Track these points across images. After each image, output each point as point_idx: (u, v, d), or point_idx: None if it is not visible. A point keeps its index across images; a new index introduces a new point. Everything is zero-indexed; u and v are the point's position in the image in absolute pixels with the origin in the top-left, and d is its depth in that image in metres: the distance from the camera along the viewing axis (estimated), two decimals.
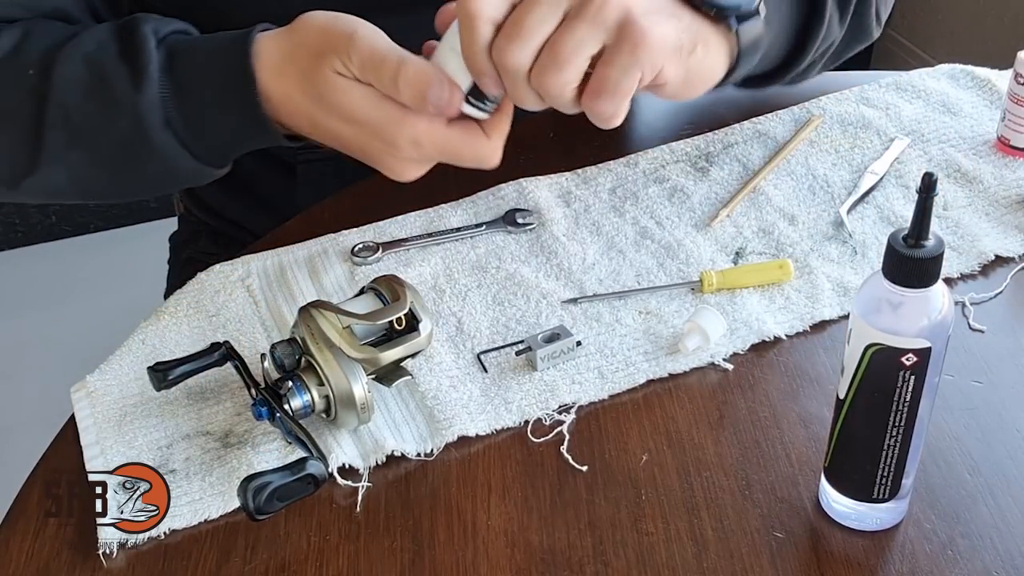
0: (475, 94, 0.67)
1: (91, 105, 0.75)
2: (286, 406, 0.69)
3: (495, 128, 0.69)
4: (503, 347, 0.79)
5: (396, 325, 0.73)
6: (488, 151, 0.69)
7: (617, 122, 0.66)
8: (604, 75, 0.64)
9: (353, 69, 0.67)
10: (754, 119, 1.00)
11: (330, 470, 0.69)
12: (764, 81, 0.88)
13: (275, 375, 0.72)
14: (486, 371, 0.77)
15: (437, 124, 0.67)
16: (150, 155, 0.76)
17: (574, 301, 0.82)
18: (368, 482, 0.70)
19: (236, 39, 0.73)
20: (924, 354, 0.57)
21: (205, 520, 0.69)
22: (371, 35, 0.68)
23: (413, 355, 0.74)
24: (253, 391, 0.72)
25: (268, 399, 0.70)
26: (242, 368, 0.74)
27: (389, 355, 0.72)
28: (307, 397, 0.70)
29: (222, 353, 0.74)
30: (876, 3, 0.90)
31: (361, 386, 0.69)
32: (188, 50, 0.75)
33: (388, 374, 0.73)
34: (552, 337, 0.77)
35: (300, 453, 0.68)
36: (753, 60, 0.75)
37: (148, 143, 0.75)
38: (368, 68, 0.67)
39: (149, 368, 0.73)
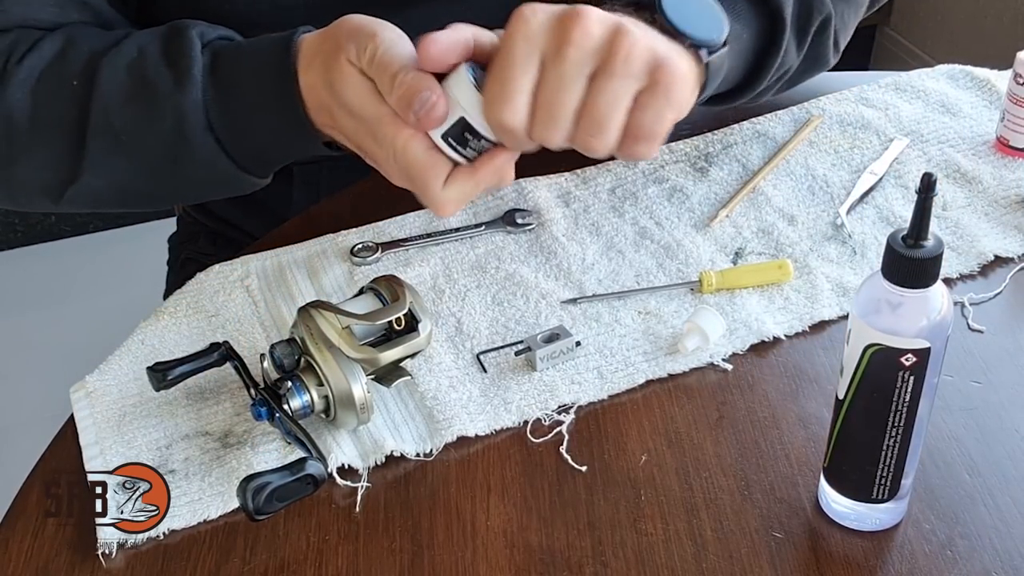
0: (460, 134, 0.65)
1: (133, 109, 0.75)
2: (285, 406, 0.69)
3: (456, 181, 0.66)
4: (502, 347, 0.79)
5: (395, 325, 0.73)
6: (435, 197, 0.66)
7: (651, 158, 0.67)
8: (641, 121, 0.63)
9: (364, 61, 0.67)
10: (753, 119, 1.00)
11: (329, 470, 0.69)
12: (716, 102, 0.87)
13: (274, 375, 0.72)
14: (485, 371, 0.77)
15: (415, 140, 0.65)
16: (191, 159, 0.76)
17: (573, 301, 0.82)
18: (367, 482, 0.70)
19: (279, 41, 0.73)
20: (923, 354, 0.57)
21: (204, 520, 0.69)
22: (393, 36, 0.67)
23: (412, 355, 0.74)
24: (252, 391, 0.72)
25: (267, 399, 0.70)
26: (241, 368, 0.74)
27: (388, 355, 0.72)
28: (306, 397, 0.70)
29: (221, 353, 0.74)
30: (835, 32, 0.89)
31: (360, 386, 0.69)
32: (232, 53, 0.75)
33: (387, 374, 0.73)
34: (551, 337, 0.77)
35: (299, 453, 0.68)
36: (713, 86, 0.75)
37: (189, 146, 0.75)
38: (376, 64, 0.66)
39: (148, 368, 0.73)
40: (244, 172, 0.78)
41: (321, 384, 0.70)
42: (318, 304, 0.72)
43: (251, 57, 0.74)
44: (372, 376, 0.72)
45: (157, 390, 0.74)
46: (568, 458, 0.71)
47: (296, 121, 0.73)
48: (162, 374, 0.73)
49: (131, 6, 0.87)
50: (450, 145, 0.65)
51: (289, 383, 0.70)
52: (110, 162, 0.77)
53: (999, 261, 0.84)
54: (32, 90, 0.76)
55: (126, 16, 0.87)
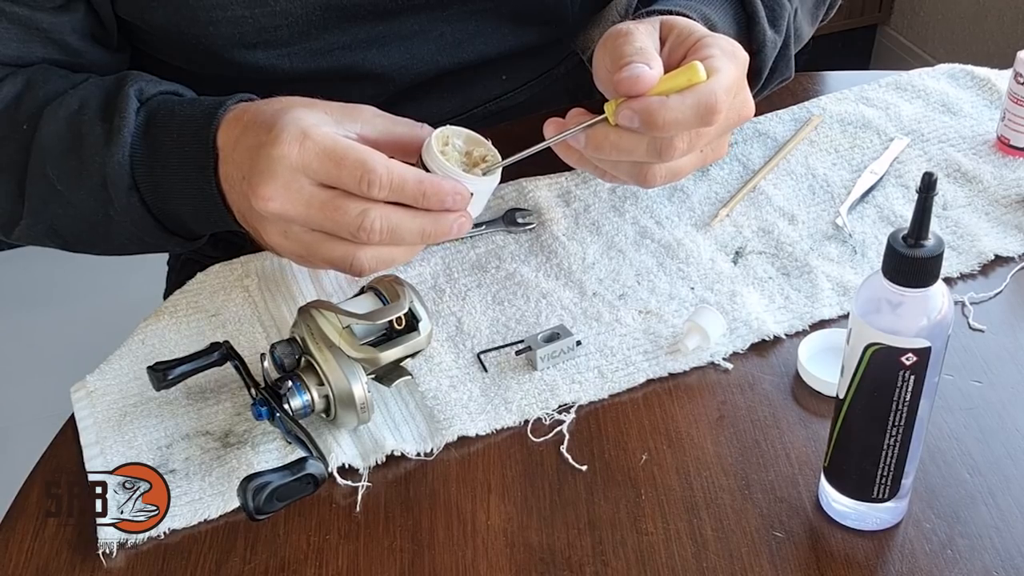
0: None
1: (66, 161, 0.76)
2: (286, 406, 0.69)
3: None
4: (503, 347, 0.79)
5: (396, 325, 0.73)
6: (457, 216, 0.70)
7: None
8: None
9: (373, 191, 0.66)
10: (754, 119, 0.99)
11: (330, 470, 0.69)
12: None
13: (275, 375, 0.72)
14: (486, 371, 0.77)
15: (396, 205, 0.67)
16: (117, 217, 0.76)
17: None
18: (368, 482, 0.70)
19: (205, 111, 0.73)
20: (924, 354, 0.57)
21: (205, 520, 0.69)
22: (362, 149, 0.67)
23: (413, 355, 0.74)
24: (253, 391, 0.72)
25: (268, 399, 0.70)
26: (242, 368, 0.74)
27: (389, 355, 0.72)
28: (307, 397, 0.70)
29: (222, 353, 0.74)
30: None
31: (361, 386, 0.69)
32: (166, 113, 0.75)
33: (388, 374, 0.73)
34: (552, 337, 0.77)
35: (300, 453, 0.68)
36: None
37: (114, 204, 0.75)
38: (393, 190, 0.66)
39: (149, 368, 0.73)
40: (171, 235, 0.78)
41: (321, 384, 0.70)
42: (318, 304, 0.72)
43: (178, 124, 0.74)
44: (372, 376, 0.72)
45: (158, 390, 0.74)
46: (569, 457, 0.71)
47: (212, 202, 0.73)
48: (162, 374, 0.73)
49: (110, 34, 0.86)
50: None
51: (289, 383, 0.70)
52: (47, 209, 0.79)
53: (999, 260, 0.84)
54: None
55: (105, 45, 0.86)
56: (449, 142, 0.70)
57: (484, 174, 0.70)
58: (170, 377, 0.73)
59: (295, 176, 0.66)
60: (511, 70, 1.00)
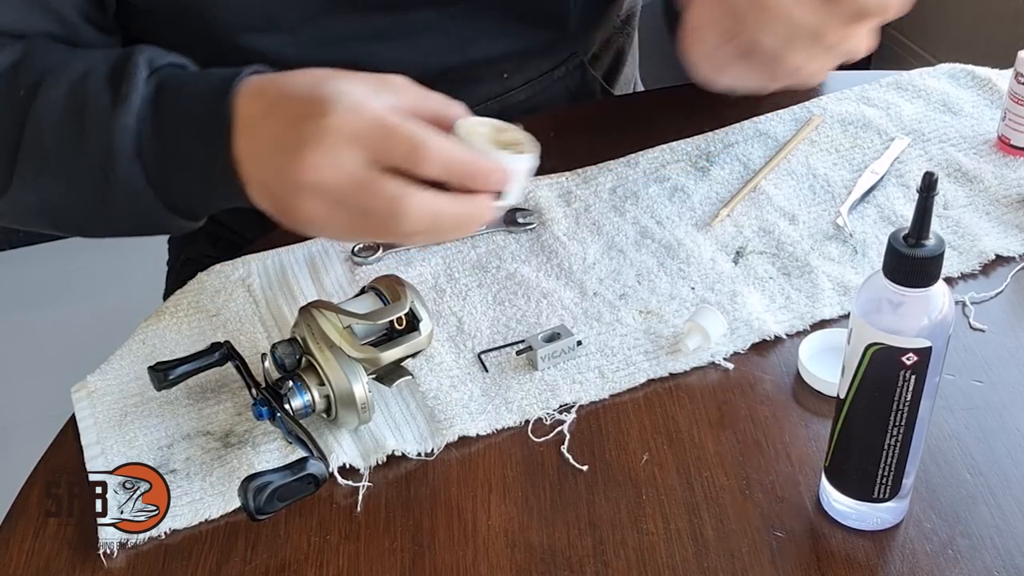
0: None
1: (66, 129, 0.73)
2: (287, 406, 0.69)
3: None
4: (504, 347, 0.79)
5: (396, 325, 0.73)
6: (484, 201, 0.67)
7: None
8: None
9: (424, 168, 0.64)
10: (755, 118, 1.00)
11: (330, 470, 0.69)
12: None
13: (275, 375, 0.72)
14: (487, 371, 0.77)
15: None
16: (116, 188, 0.72)
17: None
18: (368, 482, 0.70)
19: (219, 83, 0.70)
20: (924, 354, 0.57)
21: (206, 520, 0.69)
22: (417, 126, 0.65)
23: (414, 355, 0.74)
24: (254, 391, 0.72)
25: (268, 399, 0.70)
26: (242, 368, 0.74)
27: (390, 355, 0.72)
28: (308, 397, 0.70)
29: (222, 353, 0.74)
30: None
31: (362, 386, 0.69)
32: (177, 83, 0.73)
33: (389, 374, 0.73)
34: (553, 337, 0.77)
35: (300, 453, 0.68)
36: None
37: (115, 173, 0.72)
38: (447, 169, 0.65)
39: (149, 368, 0.73)
40: (171, 212, 0.74)
41: (322, 384, 0.70)
42: (319, 304, 0.72)
43: (189, 95, 0.71)
44: (373, 375, 0.72)
45: (158, 390, 0.74)
46: (569, 457, 0.71)
47: (223, 175, 0.69)
48: (163, 374, 0.73)
49: (108, 14, 0.85)
50: None
51: (290, 382, 0.70)
52: (39, 180, 0.75)
53: (1000, 260, 0.84)
54: None
55: (100, 26, 0.85)
56: (473, 129, 0.69)
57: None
58: (171, 377, 0.73)
59: (346, 147, 0.63)
60: (512, 69, 1.01)
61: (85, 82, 0.73)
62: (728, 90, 0.79)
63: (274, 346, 0.72)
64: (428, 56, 0.93)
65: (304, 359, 0.71)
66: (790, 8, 0.67)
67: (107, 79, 0.73)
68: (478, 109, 1.01)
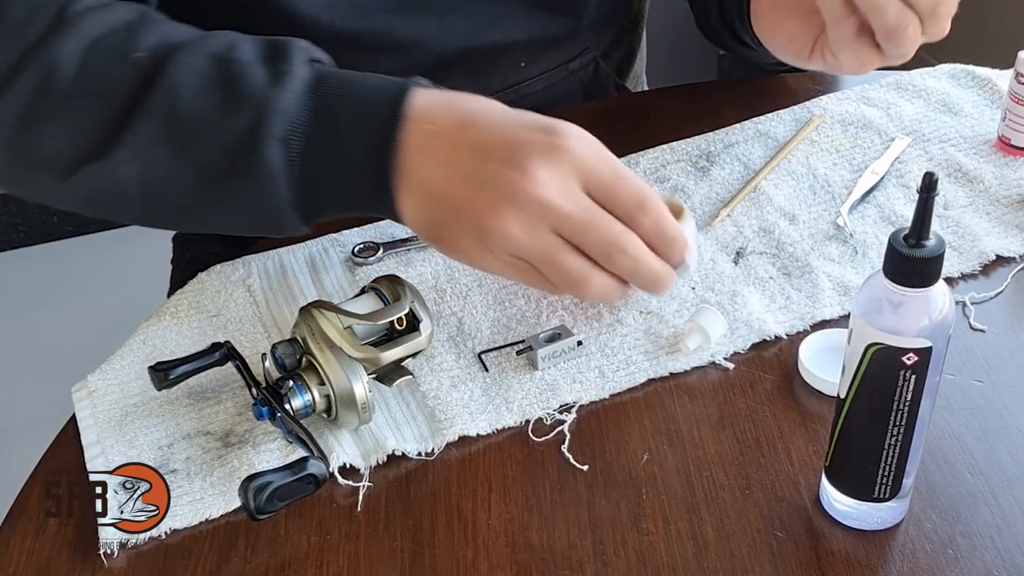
0: None
1: (207, 98, 0.67)
2: (287, 406, 0.70)
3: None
4: (504, 347, 0.79)
5: (397, 325, 0.73)
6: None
7: None
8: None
9: (644, 226, 0.67)
10: (755, 119, 1.00)
11: (331, 469, 0.69)
12: None
13: (276, 375, 0.72)
14: (487, 371, 0.77)
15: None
16: (247, 172, 0.67)
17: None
18: (368, 482, 0.70)
19: (400, 81, 0.68)
20: (925, 354, 0.57)
21: (206, 520, 0.69)
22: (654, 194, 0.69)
23: (414, 355, 0.74)
24: (254, 391, 0.72)
25: (269, 399, 0.70)
26: (243, 368, 0.74)
27: (390, 355, 0.72)
28: (308, 397, 0.70)
29: (223, 353, 0.74)
30: None
31: (362, 386, 0.69)
32: (339, 84, 0.69)
33: (389, 374, 0.73)
34: (553, 337, 0.77)
35: (301, 453, 0.68)
36: None
37: (256, 151, 0.67)
38: (659, 235, 0.68)
39: (150, 368, 0.73)
40: (292, 204, 0.69)
41: (323, 383, 0.70)
42: (320, 304, 0.72)
43: (361, 89, 0.68)
44: (373, 375, 0.72)
45: (159, 389, 0.74)
46: (569, 457, 0.71)
47: (378, 169, 0.66)
48: (164, 374, 0.73)
49: None
50: None
51: (291, 382, 0.70)
52: (152, 152, 0.68)
53: (1001, 260, 0.84)
54: (89, 48, 0.68)
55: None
56: None
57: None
58: (171, 377, 0.73)
59: (574, 173, 0.64)
60: (530, 58, 1.03)
61: (232, 55, 0.69)
62: (819, 70, 0.79)
63: (274, 346, 0.72)
64: (451, 35, 0.95)
65: (304, 359, 0.71)
66: None
67: (260, 55, 0.69)
68: (494, 97, 1.04)
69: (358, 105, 0.68)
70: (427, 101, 0.68)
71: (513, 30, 0.98)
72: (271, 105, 0.67)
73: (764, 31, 0.82)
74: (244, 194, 0.69)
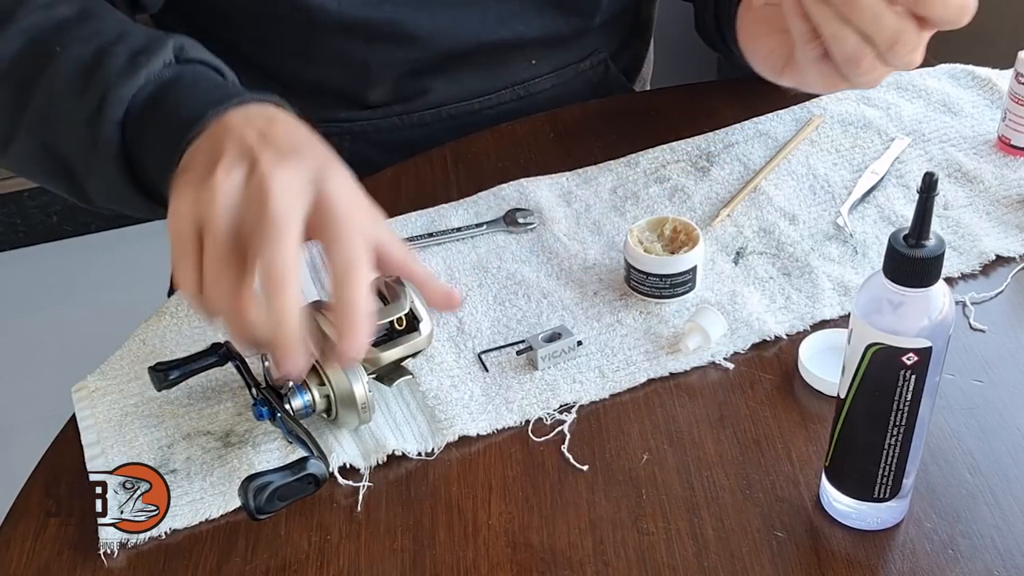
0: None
1: (75, 84, 0.72)
2: (287, 406, 0.70)
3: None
4: (504, 347, 0.79)
5: (396, 325, 0.73)
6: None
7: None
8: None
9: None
10: (755, 119, 1.00)
11: (331, 470, 0.69)
12: None
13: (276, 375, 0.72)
14: (487, 371, 0.77)
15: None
16: (98, 149, 0.71)
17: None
18: (369, 482, 0.70)
19: (238, 92, 0.68)
20: (925, 354, 0.57)
21: (206, 520, 0.69)
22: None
23: (414, 355, 0.74)
24: (254, 391, 0.72)
25: (269, 399, 0.70)
26: (243, 368, 0.74)
27: (390, 355, 0.72)
28: (308, 397, 0.70)
29: (222, 353, 0.74)
30: None
31: (362, 386, 0.69)
32: (191, 81, 0.71)
33: (389, 373, 0.73)
34: (553, 337, 0.77)
35: (301, 453, 0.68)
36: None
37: (100, 133, 0.71)
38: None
39: (150, 368, 0.73)
40: (136, 188, 0.73)
41: (323, 384, 0.70)
42: (319, 304, 0.72)
43: (195, 93, 0.69)
44: (373, 375, 0.72)
45: (159, 390, 0.74)
46: (570, 457, 0.71)
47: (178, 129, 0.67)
48: (163, 374, 0.73)
49: None
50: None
51: (291, 383, 0.70)
52: (43, 130, 0.74)
53: (1000, 260, 0.84)
54: (27, 43, 0.75)
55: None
56: (638, 235, 0.82)
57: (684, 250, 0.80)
58: (171, 377, 0.73)
59: (313, 180, 0.59)
60: (540, 55, 1.03)
61: (112, 46, 0.73)
62: (789, 87, 0.79)
63: None
64: (462, 29, 0.96)
65: None
66: (878, 9, 0.67)
67: (132, 51, 0.72)
68: (505, 93, 1.05)
69: (167, 119, 0.68)
70: (237, 118, 0.65)
71: (525, 27, 0.99)
72: (112, 93, 0.70)
73: (746, 45, 0.82)
74: (103, 173, 0.73)
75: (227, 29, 0.95)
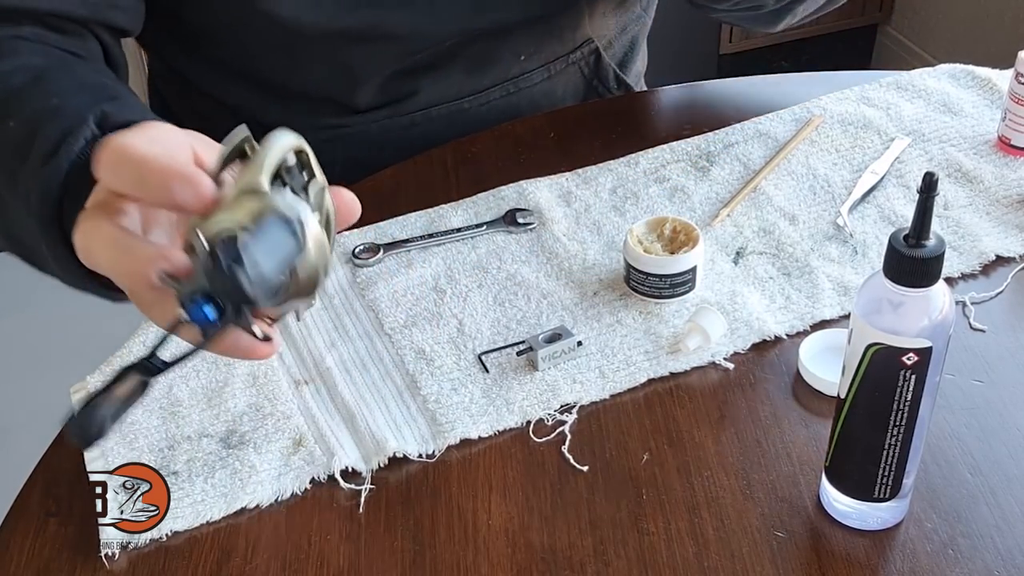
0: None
1: (9, 163, 0.68)
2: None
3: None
4: (504, 347, 0.79)
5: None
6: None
7: None
8: None
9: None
10: (755, 119, 1.00)
11: (332, 472, 0.69)
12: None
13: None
14: (487, 372, 0.77)
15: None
16: (42, 242, 0.69)
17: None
18: (370, 483, 0.70)
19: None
20: (925, 354, 0.57)
21: (207, 522, 0.69)
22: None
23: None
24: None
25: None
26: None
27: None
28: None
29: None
30: None
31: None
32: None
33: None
34: (553, 337, 0.77)
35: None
36: None
37: (39, 227, 0.68)
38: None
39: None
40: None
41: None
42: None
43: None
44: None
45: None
46: (570, 457, 0.71)
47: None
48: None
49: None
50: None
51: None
52: None
53: (1000, 260, 0.84)
54: None
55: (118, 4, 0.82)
56: (637, 235, 0.82)
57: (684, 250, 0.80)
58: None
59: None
60: (529, 48, 1.02)
61: (40, 121, 0.67)
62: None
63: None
64: (443, 21, 0.94)
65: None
66: None
67: (61, 130, 0.65)
68: (496, 90, 1.04)
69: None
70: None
71: (506, 11, 0.97)
72: (39, 184, 0.65)
73: None
74: (52, 257, 0.69)
75: (211, 45, 0.95)
